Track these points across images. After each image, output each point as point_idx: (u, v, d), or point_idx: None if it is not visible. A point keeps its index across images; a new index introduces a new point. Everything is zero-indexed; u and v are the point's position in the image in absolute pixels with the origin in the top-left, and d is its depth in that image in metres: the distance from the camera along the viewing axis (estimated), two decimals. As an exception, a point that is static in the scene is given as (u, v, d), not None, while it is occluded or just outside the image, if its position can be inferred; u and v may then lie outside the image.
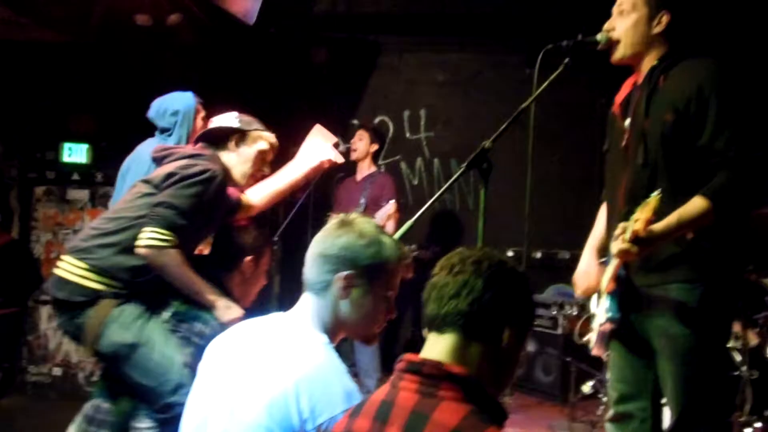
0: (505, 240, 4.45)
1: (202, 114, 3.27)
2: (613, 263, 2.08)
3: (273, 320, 1.59)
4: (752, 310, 3.39)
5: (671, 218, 1.93)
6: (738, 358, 3.41)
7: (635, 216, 1.85)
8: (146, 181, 2.51)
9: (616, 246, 1.93)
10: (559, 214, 5.00)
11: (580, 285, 2.33)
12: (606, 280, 2.14)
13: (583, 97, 4.79)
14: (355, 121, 5.55)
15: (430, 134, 5.66)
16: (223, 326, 2.16)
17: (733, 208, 1.98)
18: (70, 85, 5.21)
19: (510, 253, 4.51)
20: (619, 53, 2.14)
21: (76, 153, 5.46)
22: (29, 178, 5.56)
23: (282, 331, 1.54)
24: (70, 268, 2.39)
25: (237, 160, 2.62)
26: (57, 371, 5.39)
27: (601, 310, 2.16)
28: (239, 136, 2.62)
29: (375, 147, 4.69)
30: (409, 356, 1.26)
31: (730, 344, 3.44)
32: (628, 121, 2.18)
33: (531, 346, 4.68)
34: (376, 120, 5.71)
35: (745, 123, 1.98)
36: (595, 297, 2.27)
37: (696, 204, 1.94)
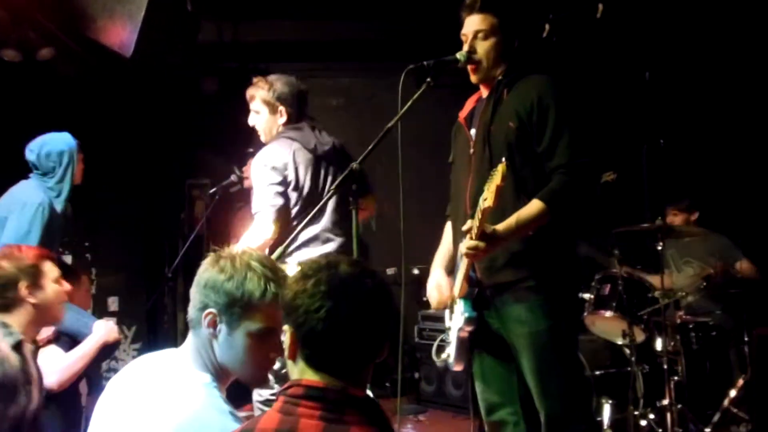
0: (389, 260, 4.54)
1: (80, 155, 3.21)
2: (463, 264, 2.16)
3: (162, 357, 1.54)
4: (637, 307, 3.55)
5: (511, 220, 2.09)
6: (628, 353, 3.56)
7: (483, 195, 1.95)
8: None
9: (464, 245, 2.04)
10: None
11: (433, 298, 2.40)
12: (458, 284, 2.21)
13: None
14: (251, 150, 5.49)
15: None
16: None
17: (567, 209, 2.16)
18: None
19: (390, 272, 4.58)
20: (481, 72, 2.29)
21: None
22: None
23: (166, 370, 1.48)
24: None
25: None
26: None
27: (457, 316, 2.21)
28: None
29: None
30: (306, 381, 1.19)
31: (620, 342, 3.59)
32: (473, 131, 2.32)
33: (440, 362, 4.72)
34: (274, 147, 5.67)
35: (578, 131, 2.18)
36: (447, 312, 2.33)
37: (533, 206, 2.11)
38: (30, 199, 3.02)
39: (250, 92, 3.01)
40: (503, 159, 1.97)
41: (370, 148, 2.07)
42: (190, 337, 1.51)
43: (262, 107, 2.96)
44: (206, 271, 1.48)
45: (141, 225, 5.24)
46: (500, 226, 2.06)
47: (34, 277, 2.17)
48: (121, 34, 3.66)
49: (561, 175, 2.13)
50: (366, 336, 1.21)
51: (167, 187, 5.32)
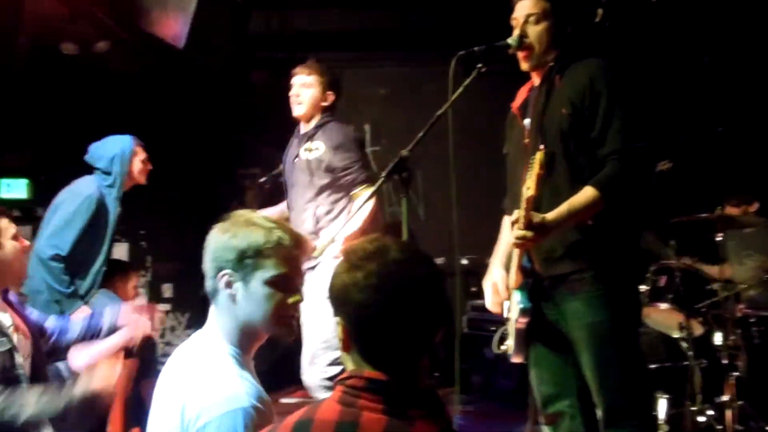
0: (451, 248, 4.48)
1: (141, 156, 3.34)
2: (515, 254, 2.12)
3: (193, 338, 1.59)
4: (695, 300, 3.45)
5: (562, 207, 2.04)
6: (684, 347, 3.46)
7: (527, 184, 1.95)
8: None
9: (512, 234, 2.02)
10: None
11: (488, 297, 2.36)
12: (512, 275, 2.17)
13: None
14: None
15: (376, 148, 5.67)
16: None
17: (621, 196, 2.10)
18: (3, 120, 5.09)
19: (438, 261, 4.53)
20: (534, 59, 2.24)
21: (14, 188, 5.32)
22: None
23: (193, 349, 1.54)
24: None
25: None
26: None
27: (514, 307, 2.18)
28: None
29: None
30: (368, 373, 1.15)
31: (676, 335, 3.49)
32: (527, 121, 2.28)
33: (489, 354, 4.68)
34: (322, 137, 5.69)
35: (631, 117, 2.12)
36: (506, 304, 2.29)
37: (585, 193, 2.06)
38: (82, 192, 3.20)
39: (308, 68, 3.22)
40: (541, 146, 1.93)
41: (419, 135, 2.04)
42: (211, 312, 1.55)
43: (318, 85, 3.20)
44: (211, 240, 1.54)
45: (194, 214, 5.35)
46: (550, 215, 2.02)
47: None
48: (174, 25, 3.73)
49: (613, 161, 2.09)
50: (420, 327, 1.17)
51: (219, 176, 5.41)
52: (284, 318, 1.54)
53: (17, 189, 5.32)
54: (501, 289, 2.31)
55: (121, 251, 4.86)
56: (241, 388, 1.41)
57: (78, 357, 2.75)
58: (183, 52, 4.09)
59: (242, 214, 1.56)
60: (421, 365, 1.20)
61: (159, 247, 5.11)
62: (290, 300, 1.53)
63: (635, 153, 2.10)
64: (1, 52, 3.79)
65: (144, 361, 3.20)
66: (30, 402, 1.89)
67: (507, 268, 2.31)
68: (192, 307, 5.15)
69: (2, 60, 3.86)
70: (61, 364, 2.86)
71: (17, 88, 4.65)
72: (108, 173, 3.27)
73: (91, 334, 2.45)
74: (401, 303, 1.14)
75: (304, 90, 3.21)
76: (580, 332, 2.12)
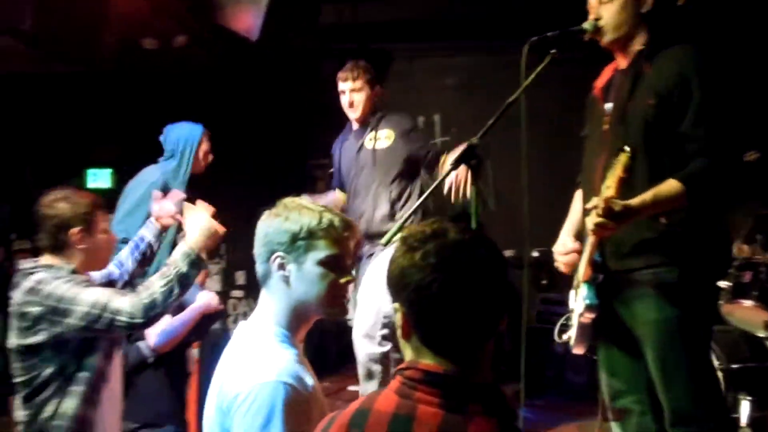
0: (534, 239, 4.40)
1: (205, 147, 3.41)
2: (588, 246, 2.05)
3: (243, 323, 1.65)
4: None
5: (647, 195, 1.94)
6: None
7: (606, 183, 1.87)
8: None
9: (590, 221, 1.92)
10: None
11: (561, 260, 2.29)
12: (582, 267, 2.10)
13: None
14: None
15: (446, 139, 5.63)
16: None
17: (706, 195, 1.98)
18: (89, 113, 5.35)
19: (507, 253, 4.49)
20: (608, 36, 2.13)
21: (100, 178, 5.59)
22: (57, 206, 5.72)
23: (241, 331, 1.59)
24: None
25: None
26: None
27: (580, 300, 2.12)
28: None
29: None
30: (424, 366, 1.12)
31: (761, 334, 3.32)
32: (609, 105, 2.17)
33: (559, 348, 4.59)
34: (391, 128, 5.70)
35: (725, 113, 1.99)
36: (572, 293, 2.23)
37: (671, 185, 1.95)
38: (147, 179, 3.29)
39: (353, 72, 3.33)
40: (626, 148, 1.85)
41: (490, 122, 1.99)
42: (262, 296, 1.59)
43: (366, 85, 3.33)
44: (263, 224, 1.58)
45: (266, 204, 5.48)
46: (634, 201, 1.91)
47: (87, 223, 2.17)
48: (248, 19, 3.82)
49: (703, 159, 1.96)
50: (481, 311, 1.11)
51: (290, 167, 5.51)
52: (337, 298, 1.57)
53: (102, 179, 5.59)
54: (571, 251, 2.24)
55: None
56: (280, 364, 1.43)
57: (156, 336, 2.92)
58: (256, 45, 4.19)
59: (292, 200, 1.60)
60: (483, 354, 1.15)
61: (233, 235, 5.26)
62: (342, 280, 1.57)
63: (727, 151, 1.98)
64: (89, 49, 3.96)
65: (206, 342, 3.34)
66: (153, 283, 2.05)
67: (578, 238, 2.25)
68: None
69: (90, 57, 4.05)
70: (141, 344, 3.00)
71: (104, 85, 4.88)
72: (173, 156, 3.34)
73: (143, 253, 2.60)
74: (461, 283, 1.09)
75: (356, 95, 3.31)
76: (647, 328, 2.04)
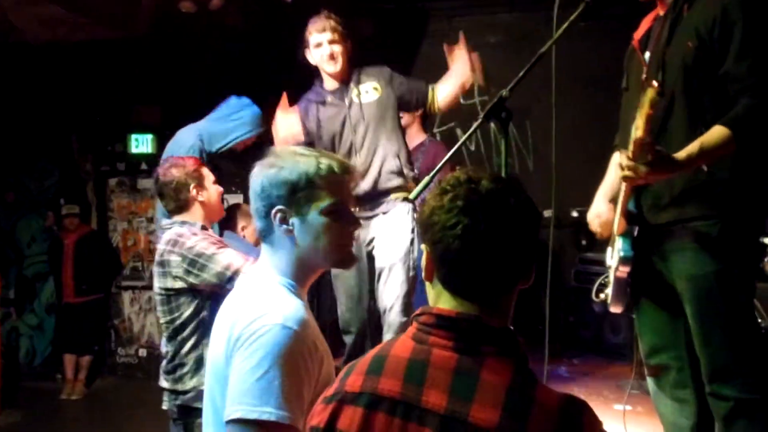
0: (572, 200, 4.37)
1: (255, 138, 3.29)
2: (622, 193, 2.00)
3: (245, 276, 1.61)
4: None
5: (693, 146, 1.85)
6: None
7: (635, 124, 1.77)
8: None
9: (622, 163, 1.85)
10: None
11: (595, 226, 2.26)
12: (616, 220, 2.07)
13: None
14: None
15: (485, 98, 5.56)
16: None
17: (755, 137, 1.88)
18: (130, 79, 5.43)
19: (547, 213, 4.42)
20: None
21: (143, 143, 5.70)
22: (102, 171, 5.88)
23: (244, 283, 1.53)
24: None
25: None
26: (143, 352, 5.72)
27: (615, 254, 2.09)
28: None
29: (420, 111, 4.58)
30: (437, 310, 1.14)
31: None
32: (647, 55, 2.10)
33: (597, 307, 4.57)
34: (428, 88, 5.66)
35: None
36: (609, 250, 2.20)
37: (717, 133, 1.86)
38: (184, 143, 3.20)
39: (329, 23, 3.09)
40: (653, 82, 1.75)
41: (520, 74, 1.94)
42: (263, 252, 1.50)
43: (343, 38, 3.11)
44: (257, 177, 1.46)
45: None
46: (681, 154, 1.84)
47: (199, 179, 2.49)
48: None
49: (748, 98, 1.85)
50: (505, 257, 1.11)
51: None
52: (344, 246, 1.50)
53: (144, 144, 5.69)
54: (604, 218, 2.21)
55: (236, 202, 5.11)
56: (287, 310, 1.37)
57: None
58: (291, 6, 4.17)
59: (284, 147, 1.53)
60: (504, 301, 1.15)
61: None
62: (349, 228, 1.49)
63: None
64: (129, 14, 4.01)
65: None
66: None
67: (614, 202, 2.20)
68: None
69: (130, 22, 4.10)
70: None
71: (145, 49, 4.93)
72: (223, 121, 3.24)
73: None
74: (484, 228, 1.09)
75: (336, 46, 3.08)
76: (686, 283, 1.99)
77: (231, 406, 1.30)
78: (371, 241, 3.15)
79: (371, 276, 3.16)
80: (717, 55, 1.91)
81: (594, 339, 4.70)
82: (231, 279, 2.26)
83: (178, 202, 2.48)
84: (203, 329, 2.32)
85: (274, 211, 1.44)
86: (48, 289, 5.92)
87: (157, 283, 2.41)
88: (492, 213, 1.10)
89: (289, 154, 1.48)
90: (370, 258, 3.16)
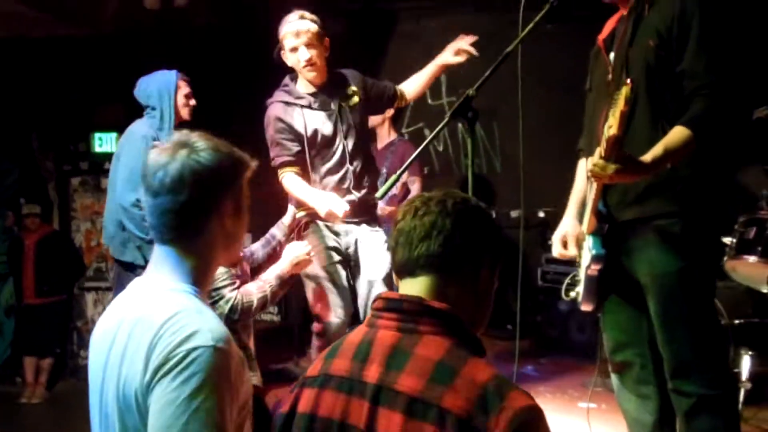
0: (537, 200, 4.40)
1: (185, 90, 3.30)
2: (591, 198, 2.02)
3: (136, 283, 1.42)
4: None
5: (657, 148, 1.88)
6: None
7: (609, 123, 1.78)
8: None
9: (589, 162, 1.86)
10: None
11: (556, 249, 2.28)
12: (586, 219, 2.09)
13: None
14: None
15: (452, 99, 5.59)
16: None
17: (714, 135, 1.92)
18: (94, 77, 5.32)
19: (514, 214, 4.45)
20: None
21: (106, 142, 5.59)
22: (64, 170, 5.75)
23: (136, 293, 1.37)
24: None
25: None
26: (106, 355, 5.60)
27: (586, 253, 2.12)
28: None
29: (390, 112, 4.50)
30: (386, 294, 1.24)
31: (765, 290, 3.34)
32: (612, 55, 2.12)
33: (563, 306, 4.64)
34: (397, 88, 5.66)
35: (725, 48, 1.92)
36: (579, 250, 2.23)
37: (678, 134, 1.89)
38: (137, 134, 3.20)
39: (306, 25, 2.87)
40: (627, 80, 1.77)
41: (487, 73, 1.97)
42: (159, 255, 1.35)
43: (321, 40, 2.91)
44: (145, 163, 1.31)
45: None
46: (647, 157, 1.86)
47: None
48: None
49: (703, 97, 1.89)
50: (438, 243, 1.21)
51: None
52: (237, 249, 1.42)
53: (108, 143, 5.58)
54: (570, 241, 2.24)
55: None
56: (210, 325, 1.24)
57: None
58: (259, 4, 4.14)
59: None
60: (451, 290, 1.21)
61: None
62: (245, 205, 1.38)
63: (728, 87, 1.89)
64: (92, 11, 3.93)
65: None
66: (253, 292, 2.47)
67: (580, 219, 2.23)
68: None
69: (93, 19, 4.02)
70: None
71: (108, 46, 4.83)
72: (152, 110, 3.24)
73: (274, 248, 2.93)
74: (423, 218, 1.22)
75: (313, 51, 2.85)
76: (650, 281, 2.02)
77: None
78: (355, 244, 3.07)
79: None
80: (676, 53, 1.93)
81: (560, 338, 4.76)
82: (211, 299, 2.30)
83: None
84: None
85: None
86: (7, 290, 5.76)
87: None
88: (435, 207, 1.24)
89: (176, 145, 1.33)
90: (349, 262, 3.08)
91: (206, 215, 1.31)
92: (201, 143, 1.32)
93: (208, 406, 1.17)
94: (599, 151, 1.84)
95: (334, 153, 2.98)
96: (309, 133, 2.93)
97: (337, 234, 3.04)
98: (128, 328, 1.29)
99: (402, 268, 1.25)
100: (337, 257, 3.02)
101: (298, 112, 2.93)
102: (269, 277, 2.56)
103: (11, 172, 5.85)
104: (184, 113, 3.30)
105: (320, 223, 3.00)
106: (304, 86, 2.99)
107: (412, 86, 3.21)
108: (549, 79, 4.86)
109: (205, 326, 1.23)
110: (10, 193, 5.82)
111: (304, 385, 1.24)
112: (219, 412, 1.18)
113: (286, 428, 1.22)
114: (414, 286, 1.23)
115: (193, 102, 3.32)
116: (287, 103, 2.96)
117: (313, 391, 1.21)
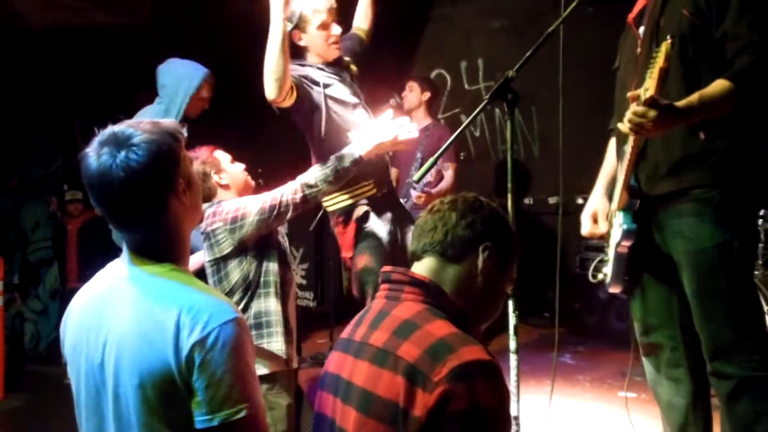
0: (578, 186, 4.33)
1: (205, 93, 3.15)
2: (623, 173, 1.95)
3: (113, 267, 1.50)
4: None
5: (693, 97, 1.80)
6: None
7: (645, 85, 1.71)
8: None
9: (629, 112, 1.79)
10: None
11: (585, 227, 2.23)
12: (617, 194, 2.02)
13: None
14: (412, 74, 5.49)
15: (490, 83, 5.52)
16: None
17: (757, 94, 1.84)
18: (134, 65, 5.40)
19: (552, 200, 4.35)
20: None
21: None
22: (106, 156, 5.85)
23: (123, 277, 1.43)
24: None
25: None
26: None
27: (616, 230, 2.04)
28: None
29: (427, 95, 4.51)
30: (384, 269, 1.43)
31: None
32: (641, 29, 2.05)
33: (603, 293, 4.56)
34: (433, 73, 5.60)
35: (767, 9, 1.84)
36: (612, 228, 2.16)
37: (718, 85, 1.81)
38: (146, 115, 3.08)
39: (333, 2, 2.73)
40: (668, 37, 1.70)
41: (527, 54, 1.92)
42: (131, 240, 1.40)
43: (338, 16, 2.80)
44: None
45: (303, 151, 5.57)
46: (680, 102, 1.78)
47: (215, 164, 2.51)
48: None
49: (749, 55, 1.81)
50: (435, 231, 1.37)
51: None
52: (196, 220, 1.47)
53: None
54: (600, 217, 2.18)
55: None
56: (223, 299, 1.33)
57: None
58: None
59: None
60: (451, 272, 1.34)
61: (276, 185, 5.32)
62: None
63: None
64: (132, 3, 3.95)
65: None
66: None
67: (610, 197, 2.16)
68: (305, 241, 5.35)
69: (131, 8, 4.04)
70: None
71: (148, 35, 4.86)
72: (161, 102, 3.10)
73: None
74: (434, 214, 1.39)
75: (337, 28, 2.73)
76: (685, 257, 1.93)
77: (209, 414, 1.23)
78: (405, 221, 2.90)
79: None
80: (714, 19, 1.87)
81: (599, 326, 4.69)
82: (273, 211, 2.35)
83: (203, 192, 2.45)
84: (251, 292, 2.41)
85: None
86: (52, 274, 5.93)
87: (206, 258, 2.45)
88: (442, 204, 1.41)
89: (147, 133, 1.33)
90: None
91: (164, 201, 1.34)
92: (134, 136, 1.29)
93: (242, 371, 1.26)
94: (636, 101, 1.78)
95: (348, 125, 2.79)
96: (339, 107, 2.77)
97: (393, 222, 2.82)
98: (128, 311, 1.35)
99: (412, 255, 1.42)
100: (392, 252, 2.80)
101: (320, 82, 2.73)
102: (343, 152, 2.46)
103: (55, 159, 6.00)
104: (193, 112, 3.19)
105: (372, 214, 2.78)
106: (318, 62, 2.79)
107: (360, 18, 3.01)
108: (589, 63, 4.75)
109: (214, 300, 1.31)
110: (54, 180, 5.97)
111: (333, 349, 1.47)
112: (251, 377, 1.29)
113: (320, 384, 1.44)
114: (418, 267, 1.38)
115: (206, 105, 3.20)
116: (315, 80, 2.73)
117: (333, 353, 1.44)
